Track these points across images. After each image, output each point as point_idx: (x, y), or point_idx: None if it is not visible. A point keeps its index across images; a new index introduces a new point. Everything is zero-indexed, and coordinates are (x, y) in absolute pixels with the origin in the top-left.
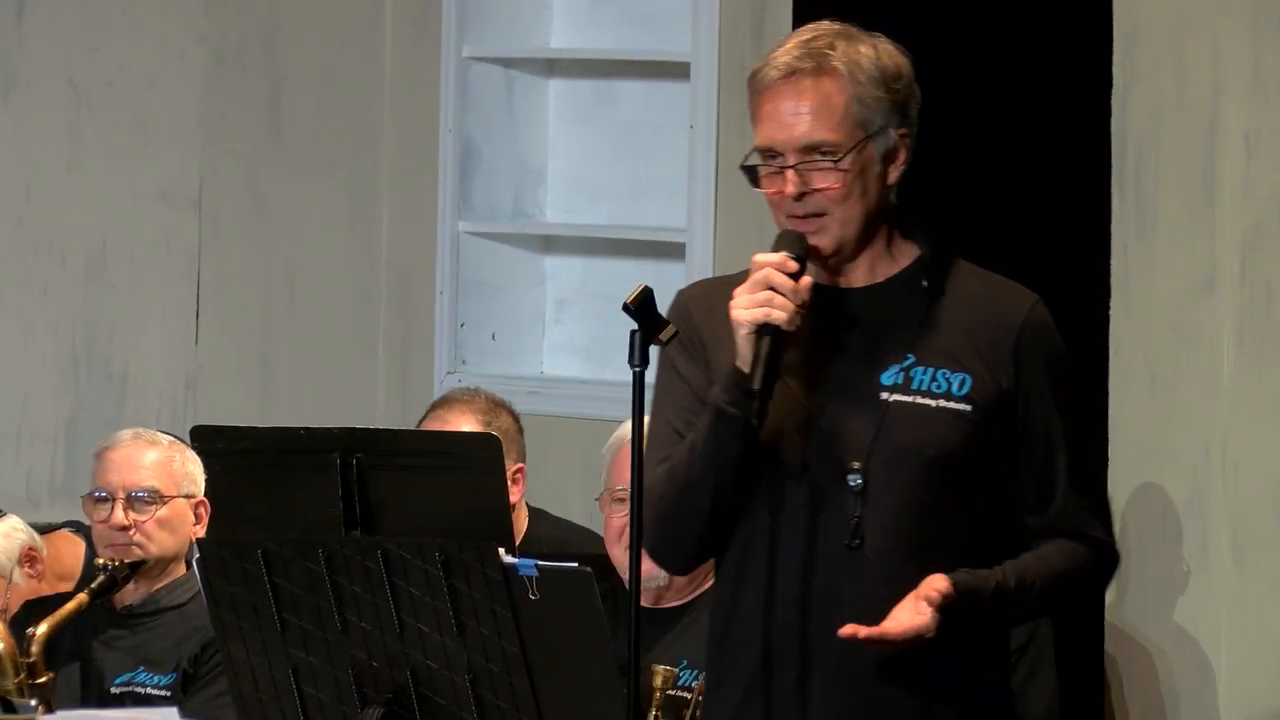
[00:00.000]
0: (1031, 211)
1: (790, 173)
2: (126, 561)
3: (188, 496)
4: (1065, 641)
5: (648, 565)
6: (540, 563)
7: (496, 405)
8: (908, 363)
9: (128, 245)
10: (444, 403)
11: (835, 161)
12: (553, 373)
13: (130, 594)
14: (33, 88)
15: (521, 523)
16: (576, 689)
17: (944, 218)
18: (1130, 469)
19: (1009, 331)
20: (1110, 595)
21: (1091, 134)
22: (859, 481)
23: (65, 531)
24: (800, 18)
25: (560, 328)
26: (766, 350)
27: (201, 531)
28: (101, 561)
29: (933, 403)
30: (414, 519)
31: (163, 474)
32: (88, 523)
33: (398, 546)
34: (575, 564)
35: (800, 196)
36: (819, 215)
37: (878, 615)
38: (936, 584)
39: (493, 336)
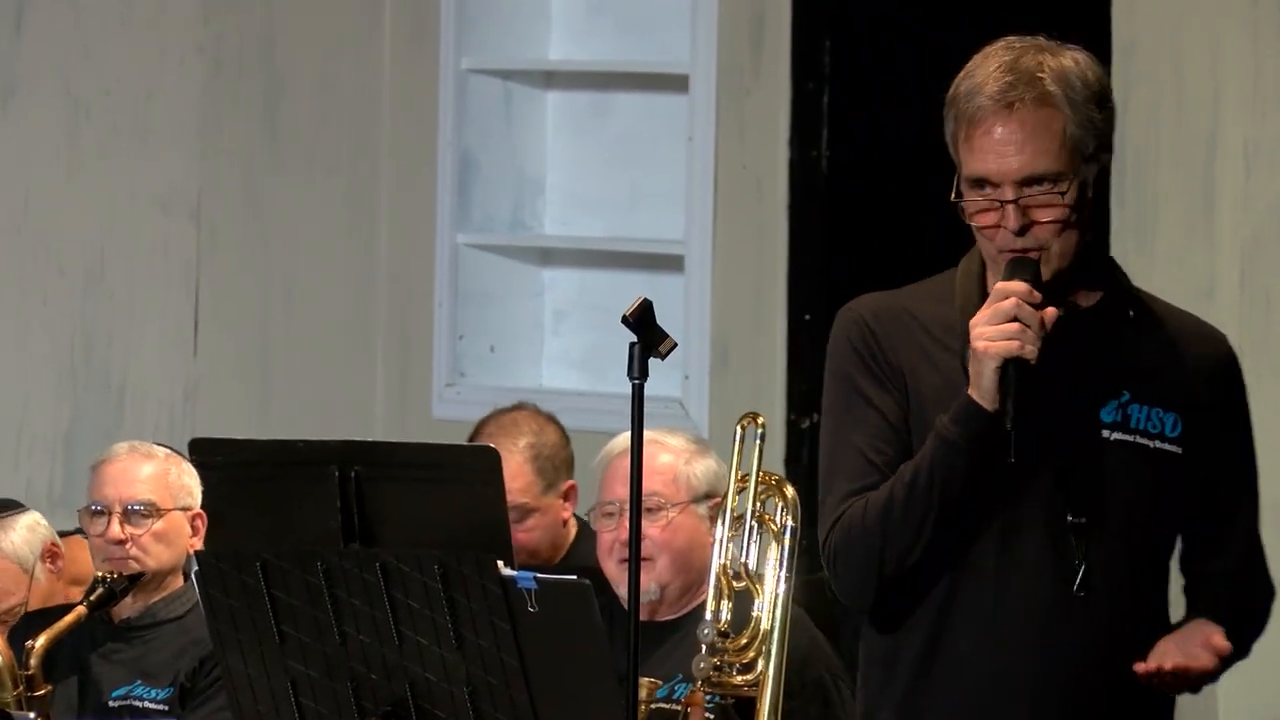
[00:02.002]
0: None
1: (1010, 208)
2: (125, 574)
3: (184, 509)
4: None
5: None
6: (539, 575)
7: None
8: (1124, 399)
9: (126, 255)
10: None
11: (1061, 194)
12: (551, 384)
13: (128, 607)
14: (31, 97)
15: (568, 537)
16: (575, 702)
17: (946, 228)
18: None
19: (1211, 370)
20: None
21: None
22: (1081, 522)
23: (80, 537)
24: (798, 29)
25: (558, 339)
26: (1014, 384)
27: (198, 544)
28: (100, 575)
29: (1150, 443)
30: (412, 531)
31: (159, 487)
32: None
33: (396, 559)
34: (574, 577)
35: (1021, 231)
36: (1038, 250)
37: (1103, 660)
38: (1216, 638)
39: (491, 348)
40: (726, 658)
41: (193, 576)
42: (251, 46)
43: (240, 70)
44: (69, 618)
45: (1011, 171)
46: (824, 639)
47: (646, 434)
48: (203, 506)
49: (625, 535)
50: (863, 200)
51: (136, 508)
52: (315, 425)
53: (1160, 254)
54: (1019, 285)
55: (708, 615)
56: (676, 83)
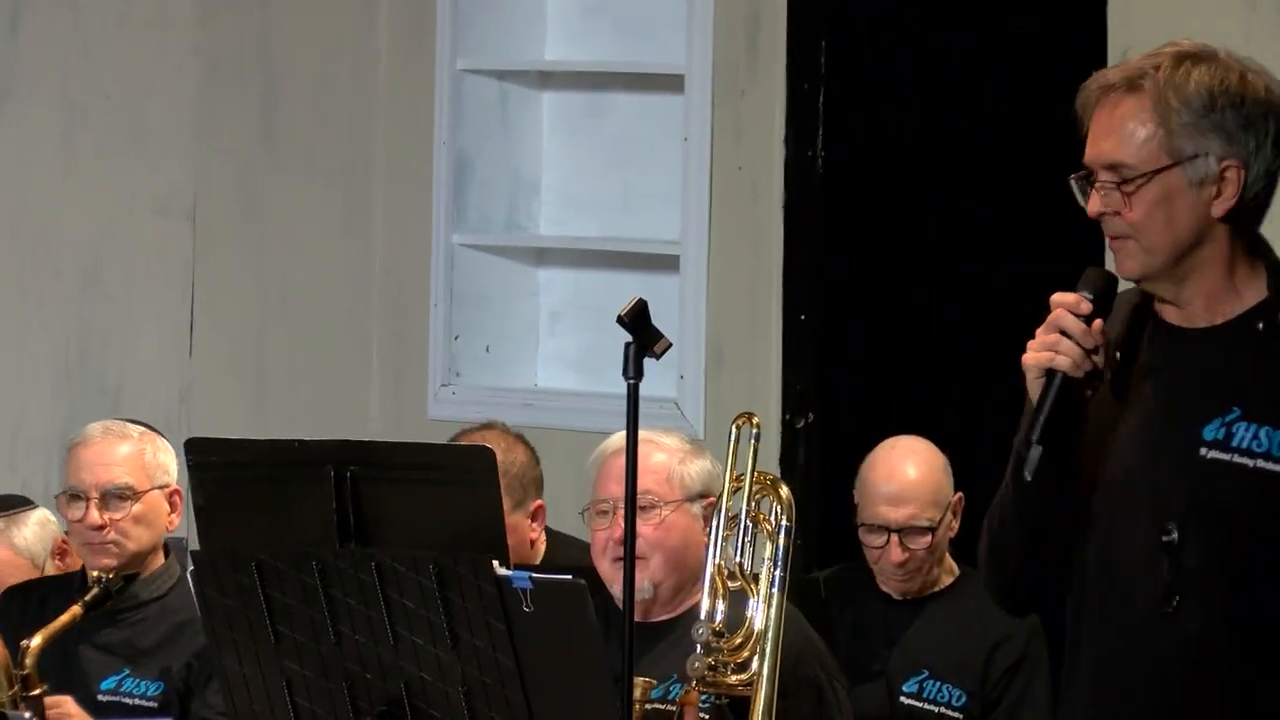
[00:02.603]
0: (1028, 222)
1: (1094, 191)
2: (120, 574)
3: (161, 487)
4: (1059, 657)
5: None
6: (534, 575)
7: (514, 441)
8: (1232, 416)
9: (122, 257)
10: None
11: (1134, 185)
12: (546, 385)
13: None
14: (28, 99)
15: (535, 557)
16: (571, 702)
17: (943, 229)
18: None
19: None
20: None
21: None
22: (1173, 540)
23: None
24: (794, 29)
25: (553, 340)
26: (1052, 398)
27: (177, 520)
28: (96, 574)
29: (1251, 462)
30: (408, 532)
31: (135, 469)
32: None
33: (392, 559)
34: (569, 576)
35: (1102, 217)
36: (1124, 239)
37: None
38: None
39: (486, 349)
40: (721, 657)
41: (187, 576)
42: (248, 48)
43: (237, 72)
44: (64, 617)
45: (1097, 157)
46: (818, 638)
47: (642, 433)
48: (198, 507)
49: (619, 534)
50: (858, 200)
51: (114, 491)
52: (311, 425)
53: None
54: (1068, 295)
55: (702, 615)
56: (672, 83)
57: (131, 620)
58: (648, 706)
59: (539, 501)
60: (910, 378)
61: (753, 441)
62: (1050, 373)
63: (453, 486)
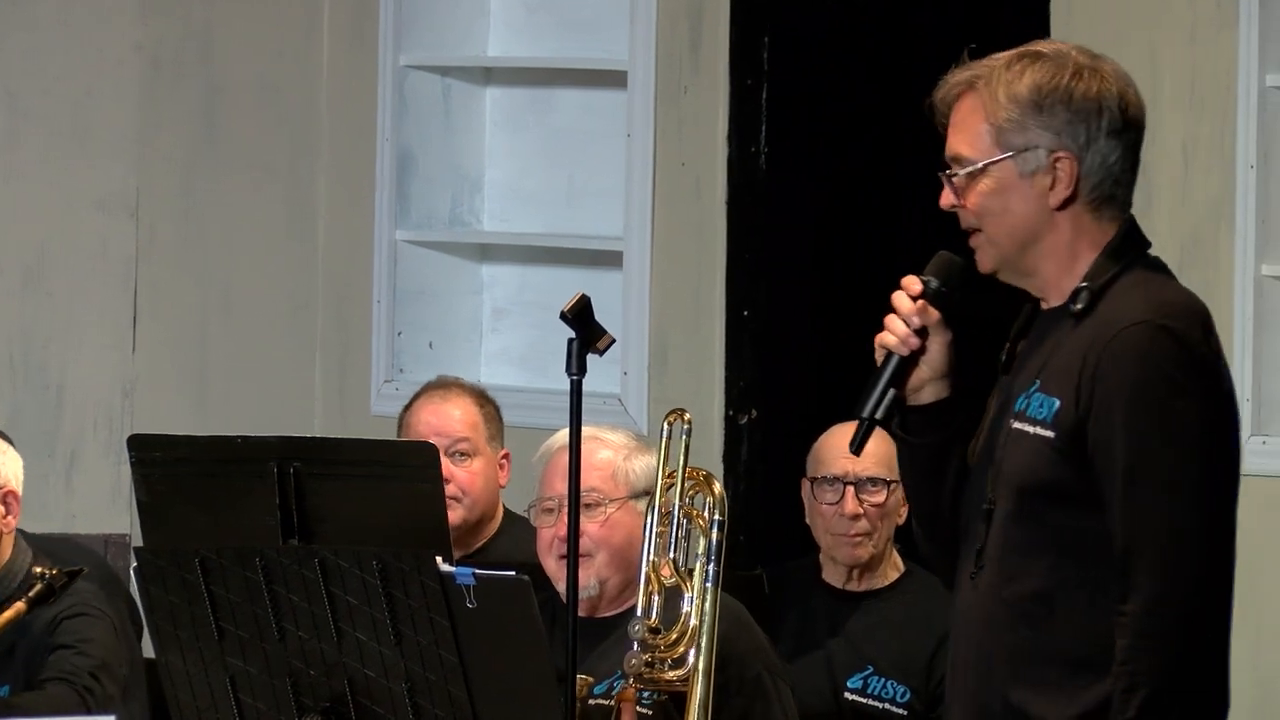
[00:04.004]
0: None
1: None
2: (64, 570)
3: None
4: None
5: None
6: (478, 571)
7: (485, 394)
8: (1033, 388)
9: (65, 254)
10: (439, 385)
11: (972, 176)
12: (490, 381)
13: None
14: None
15: (498, 510)
16: (514, 697)
17: (883, 226)
18: None
19: (1094, 353)
20: None
21: None
22: (986, 509)
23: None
24: (737, 25)
25: (497, 336)
26: (885, 375)
27: (14, 522)
28: (39, 570)
29: (1030, 429)
30: (352, 528)
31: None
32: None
33: (335, 555)
34: (513, 573)
35: (955, 210)
36: (975, 233)
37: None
38: None
39: (430, 345)
40: (658, 653)
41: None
42: (190, 45)
43: (179, 69)
44: (9, 613)
45: (948, 150)
46: (762, 634)
47: (587, 430)
48: (141, 503)
49: (564, 531)
50: (801, 197)
51: None
52: (254, 422)
53: None
54: (909, 277)
55: (638, 611)
56: (615, 79)
57: None
58: (590, 703)
59: (506, 450)
60: (853, 374)
61: (684, 437)
62: (889, 352)
63: (396, 482)
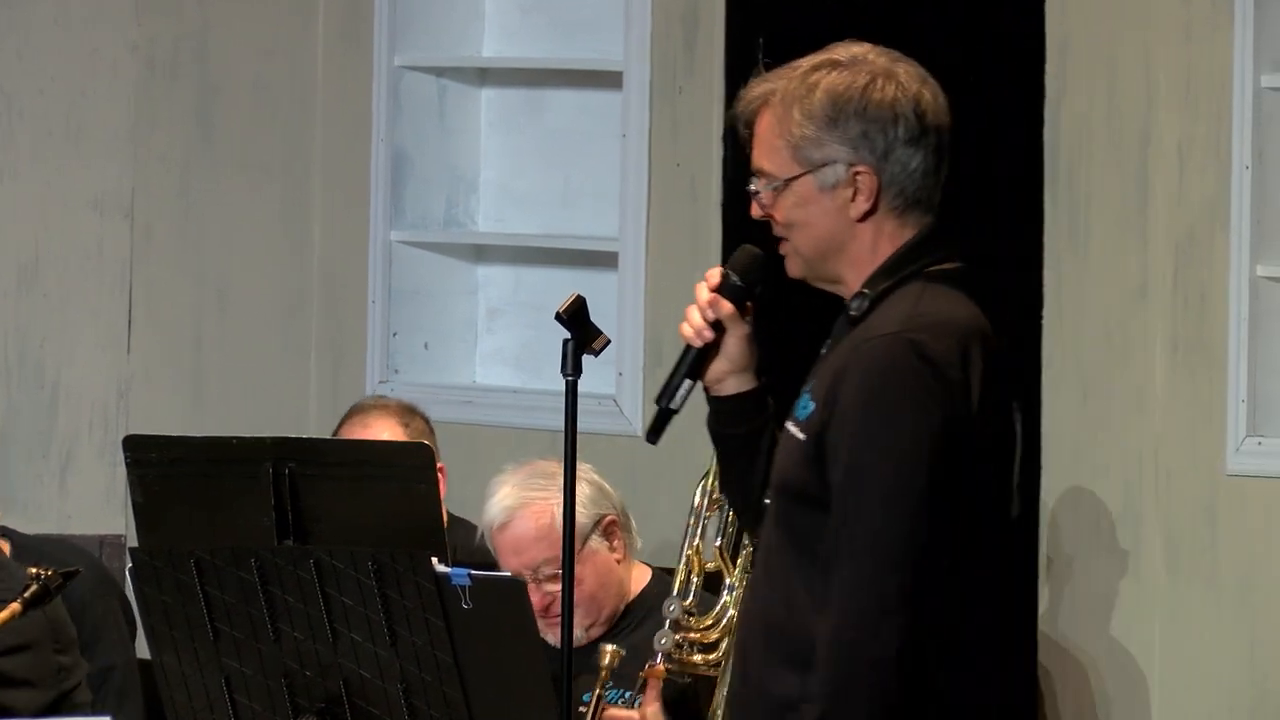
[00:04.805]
0: (964, 220)
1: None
2: (60, 571)
3: None
4: None
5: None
6: (473, 572)
7: (411, 410)
8: (805, 390)
9: (59, 254)
10: (360, 409)
11: (775, 192)
12: (485, 381)
13: None
14: None
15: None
16: (509, 698)
17: None
18: (1063, 479)
19: (844, 360)
20: (1043, 605)
21: (1024, 143)
22: (767, 505)
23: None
24: (732, 26)
25: (492, 337)
26: (684, 366)
27: None
28: (35, 571)
29: (792, 430)
30: (346, 528)
31: None
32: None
33: (330, 556)
34: (509, 574)
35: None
36: (783, 241)
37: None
38: None
39: (425, 345)
40: (690, 636)
41: (127, 573)
42: (185, 45)
43: (174, 69)
44: (3, 614)
45: (753, 163)
46: None
47: (505, 491)
48: (136, 504)
49: (541, 601)
50: None
51: None
52: (249, 423)
53: (1094, 252)
54: (711, 270)
55: (674, 591)
56: (610, 80)
57: None
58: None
59: (441, 465)
60: None
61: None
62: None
63: (391, 483)
